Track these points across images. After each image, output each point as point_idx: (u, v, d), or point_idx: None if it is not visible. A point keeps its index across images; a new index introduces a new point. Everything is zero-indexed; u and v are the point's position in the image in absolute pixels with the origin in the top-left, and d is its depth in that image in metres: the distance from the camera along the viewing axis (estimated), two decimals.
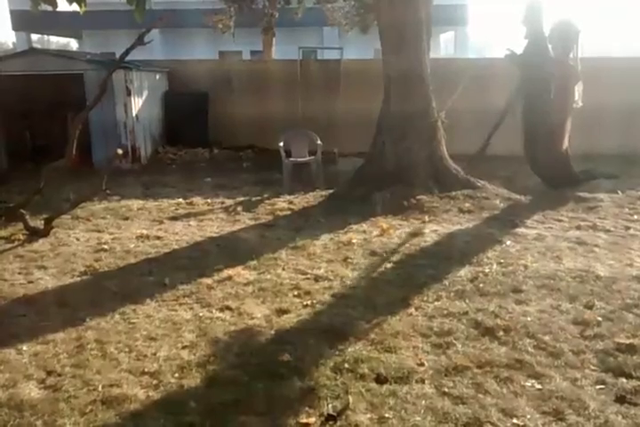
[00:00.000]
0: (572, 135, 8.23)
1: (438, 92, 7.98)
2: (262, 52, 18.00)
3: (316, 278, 4.81)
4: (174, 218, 6.93)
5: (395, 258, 5.34)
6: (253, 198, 7.94)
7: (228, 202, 7.75)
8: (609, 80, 10.10)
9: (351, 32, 16.81)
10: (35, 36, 28.08)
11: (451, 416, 2.82)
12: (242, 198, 7.95)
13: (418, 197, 7.09)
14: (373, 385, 3.11)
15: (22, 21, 23.39)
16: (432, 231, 6.13)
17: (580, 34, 7.95)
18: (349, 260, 5.27)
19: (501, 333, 3.72)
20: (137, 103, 10.27)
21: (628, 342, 3.56)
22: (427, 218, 6.62)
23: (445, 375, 3.21)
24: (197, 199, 7.86)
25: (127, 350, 3.59)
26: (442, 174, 7.60)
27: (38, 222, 6.42)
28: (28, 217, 6.38)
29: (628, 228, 6.32)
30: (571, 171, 8.20)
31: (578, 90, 7.93)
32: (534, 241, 5.77)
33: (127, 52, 6.99)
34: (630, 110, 10.62)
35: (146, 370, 3.32)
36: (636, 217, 6.79)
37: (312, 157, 9.14)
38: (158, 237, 6.08)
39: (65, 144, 6.68)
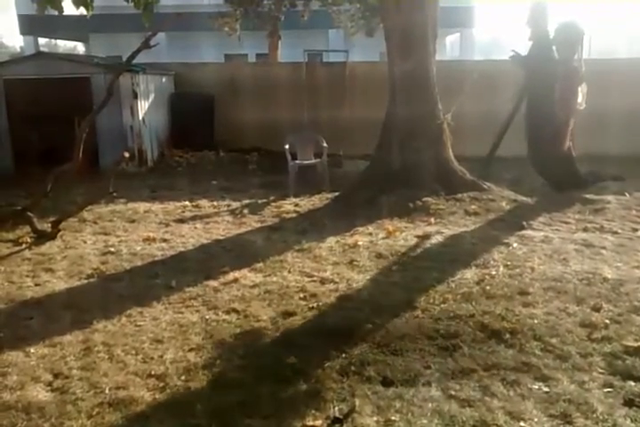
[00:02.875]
0: (579, 137, 8.21)
1: (444, 94, 7.97)
2: (268, 55, 18.04)
3: (322, 281, 4.81)
4: (181, 220, 6.95)
5: (401, 260, 5.33)
6: (259, 201, 7.95)
7: (235, 204, 7.76)
8: (615, 81, 10.07)
9: (357, 35, 16.83)
10: (42, 40, 28.19)
11: (457, 419, 2.81)
12: (248, 201, 7.96)
13: (424, 199, 7.07)
14: (380, 388, 3.11)
15: (30, 25, 23.52)
16: (438, 233, 6.12)
17: (584, 35, 7.94)
18: (355, 262, 5.26)
19: (508, 335, 3.70)
20: (143, 106, 10.31)
21: (635, 344, 3.54)
22: (433, 220, 6.61)
23: (452, 378, 3.20)
24: (204, 202, 7.88)
25: (134, 352, 3.60)
26: (448, 176, 7.59)
27: (45, 225, 6.45)
28: (35, 220, 6.41)
29: (635, 230, 6.29)
30: (576, 173, 8.18)
31: (582, 91, 7.90)
32: (541, 243, 5.74)
33: (133, 56, 7.03)
34: (637, 111, 10.57)
35: (152, 373, 3.33)
36: None
37: (318, 160, 9.14)
38: (165, 240, 6.09)
39: (72, 147, 6.71)
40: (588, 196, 7.77)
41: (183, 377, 3.27)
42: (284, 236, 6.20)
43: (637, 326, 3.82)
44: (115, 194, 7.15)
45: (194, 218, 7.07)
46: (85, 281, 4.98)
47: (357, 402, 2.95)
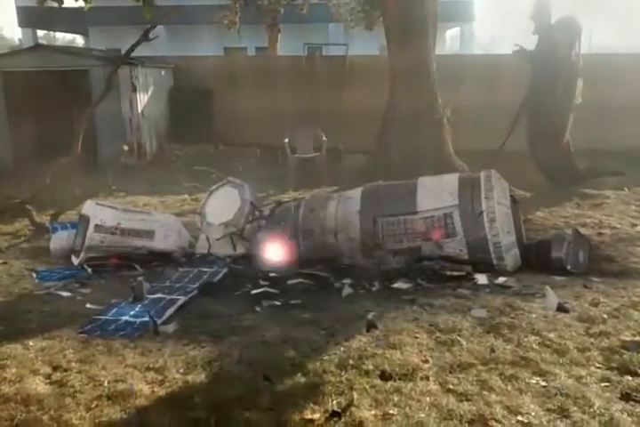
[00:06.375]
0: (578, 131, 8.20)
1: (444, 88, 7.96)
2: (267, 49, 17.98)
3: None
4: (180, 214, 6.93)
5: None
6: (258, 195, 7.92)
7: None
8: (615, 77, 10.07)
9: (357, 28, 16.77)
10: (41, 33, 28.07)
11: (455, 413, 2.81)
12: None
13: None
14: (378, 382, 3.11)
15: (28, 18, 23.43)
16: None
17: (582, 31, 7.93)
18: None
19: (506, 330, 3.70)
20: (142, 99, 10.29)
21: (633, 339, 3.55)
22: None
23: (450, 372, 3.21)
24: (203, 196, 7.86)
25: (132, 345, 3.60)
26: (447, 171, 7.56)
27: (44, 218, 6.44)
28: (33, 213, 6.41)
29: (634, 225, 6.29)
30: (574, 167, 8.18)
31: (578, 86, 7.90)
32: None
33: (132, 49, 7.01)
34: (636, 106, 10.56)
35: (151, 366, 3.33)
36: None
37: (317, 154, 9.14)
38: None
39: (71, 140, 6.70)
40: (586, 190, 7.77)
41: (182, 370, 3.27)
42: None
43: (635, 321, 3.82)
44: (113, 187, 7.15)
45: (193, 211, 7.05)
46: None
47: (355, 396, 2.96)
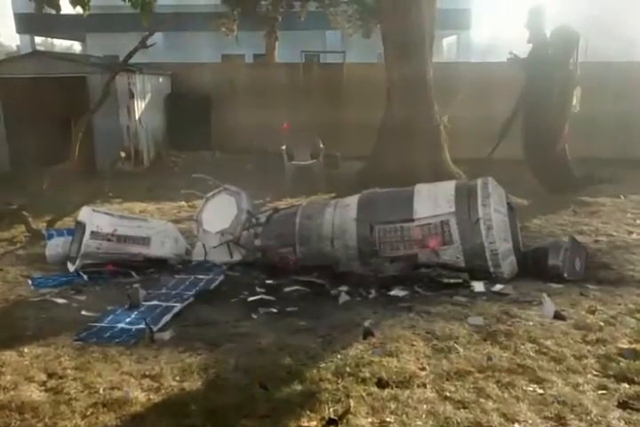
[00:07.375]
0: (574, 139, 8.23)
1: (440, 96, 7.99)
2: (265, 56, 18.04)
3: None
4: (176, 221, 6.92)
5: None
6: (255, 202, 7.92)
7: None
8: (611, 85, 10.12)
9: (354, 36, 16.85)
10: (38, 39, 28.10)
11: (452, 421, 2.81)
12: None
13: None
14: (375, 389, 3.10)
15: (26, 24, 23.46)
16: None
17: (579, 39, 7.98)
18: None
19: (503, 337, 3.70)
20: (140, 106, 10.30)
21: (630, 347, 3.55)
22: None
23: (447, 380, 3.20)
24: (200, 202, 7.85)
25: (128, 352, 3.58)
26: (444, 178, 7.58)
27: (40, 225, 6.43)
28: (30, 219, 6.39)
29: (630, 232, 6.31)
30: (571, 175, 8.21)
31: (576, 94, 7.94)
32: None
33: (130, 55, 7.03)
34: (633, 114, 10.61)
35: (147, 373, 3.31)
36: (639, 222, 6.78)
37: (314, 161, 9.15)
38: None
39: (68, 147, 6.70)
40: (583, 198, 7.79)
41: (178, 378, 3.26)
42: None
43: (632, 329, 3.82)
44: (110, 194, 7.14)
45: (189, 218, 7.04)
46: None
47: (352, 403, 2.95)
